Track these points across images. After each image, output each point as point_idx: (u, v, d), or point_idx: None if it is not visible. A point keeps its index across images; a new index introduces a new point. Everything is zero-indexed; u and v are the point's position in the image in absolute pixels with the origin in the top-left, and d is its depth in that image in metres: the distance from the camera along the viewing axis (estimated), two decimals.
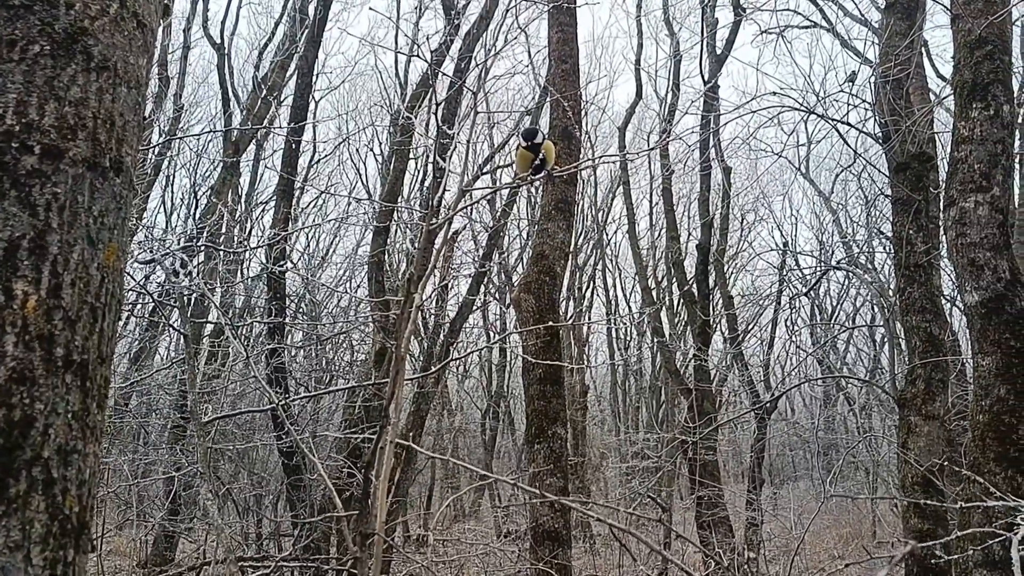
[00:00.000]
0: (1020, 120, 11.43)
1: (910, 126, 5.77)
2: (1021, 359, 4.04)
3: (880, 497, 11.20)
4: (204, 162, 16.34)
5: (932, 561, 5.08)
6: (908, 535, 5.31)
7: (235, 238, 11.96)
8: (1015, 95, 5.27)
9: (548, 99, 8.10)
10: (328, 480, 2.57)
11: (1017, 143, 11.75)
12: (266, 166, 15.35)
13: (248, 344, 13.24)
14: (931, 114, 7.16)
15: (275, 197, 10.74)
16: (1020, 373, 4.04)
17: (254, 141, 13.58)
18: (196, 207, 15.56)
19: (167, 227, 15.76)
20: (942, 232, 5.04)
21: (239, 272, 11.82)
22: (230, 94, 12.84)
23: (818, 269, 13.58)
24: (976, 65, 4.28)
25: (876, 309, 16.86)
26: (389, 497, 1.80)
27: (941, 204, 4.86)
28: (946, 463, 4.90)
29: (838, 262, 13.37)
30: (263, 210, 15.32)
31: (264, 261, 9.57)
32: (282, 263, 9.02)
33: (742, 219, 21.30)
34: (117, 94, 1.30)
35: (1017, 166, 11.58)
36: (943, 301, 7.16)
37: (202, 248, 8.28)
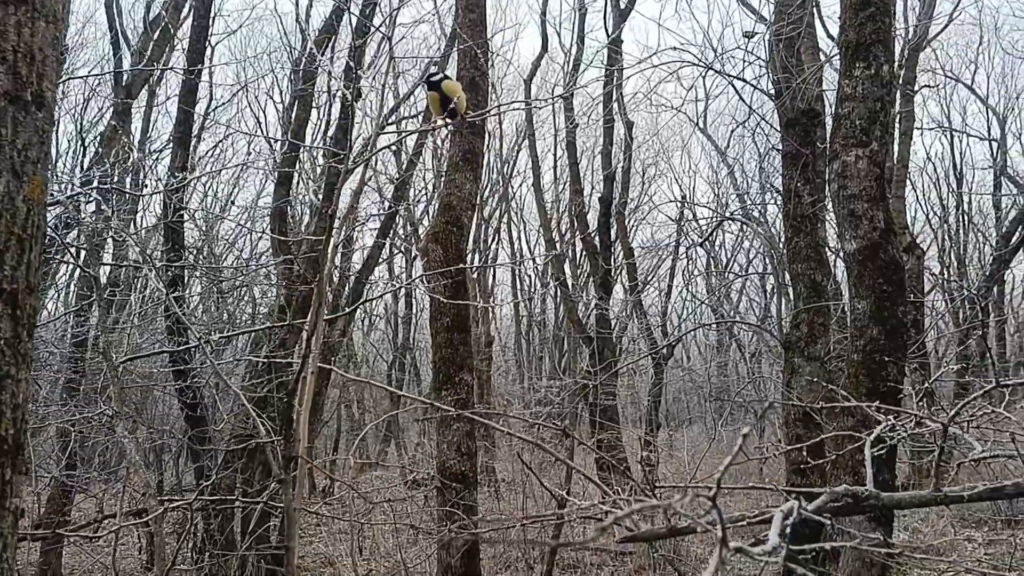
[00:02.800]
0: (900, 80, 12.09)
1: (800, 83, 6.07)
2: (892, 302, 4.40)
3: (771, 403, 11.88)
4: (92, 107, 15.53)
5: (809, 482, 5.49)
6: (789, 467, 5.73)
7: (128, 184, 11.50)
8: (894, 56, 5.59)
9: (455, 48, 8.07)
10: (251, 406, 2.61)
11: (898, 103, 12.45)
12: (160, 112, 14.74)
13: (144, 298, 12.84)
14: (821, 72, 7.51)
15: (171, 144, 10.36)
16: (891, 315, 4.39)
17: (146, 86, 12.99)
18: (84, 154, 14.83)
19: (52, 174, 14.96)
20: (827, 184, 5.35)
21: (132, 222, 11.39)
22: (119, 35, 12.21)
23: (713, 221, 14.11)
24: (860, 26, 4.54)
25: (767, 259, 17.64)
26: (306, 429, 1.88)
27: (827, 158, 5.16)
28: (824, 400, 5.29)
29: (731, 214, 13.92)
30: (157, 158, 14.72)
31: (161, 210, 9.27)
32: (180, 212, 8.76)
33: (643, 173, 21.81)
34: (36, 28, 1.31)
35: (897, 123, 12.28)
36: (827, 250, 7.60)
37: (94, 193, 7.96)
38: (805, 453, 4.51)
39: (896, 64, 12.13)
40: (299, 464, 1.82)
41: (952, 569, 8.22)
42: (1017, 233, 15.49)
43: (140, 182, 12.62)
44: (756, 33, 7.58)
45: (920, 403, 4.13)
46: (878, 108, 4.48)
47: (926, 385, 2.89)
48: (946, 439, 1.75)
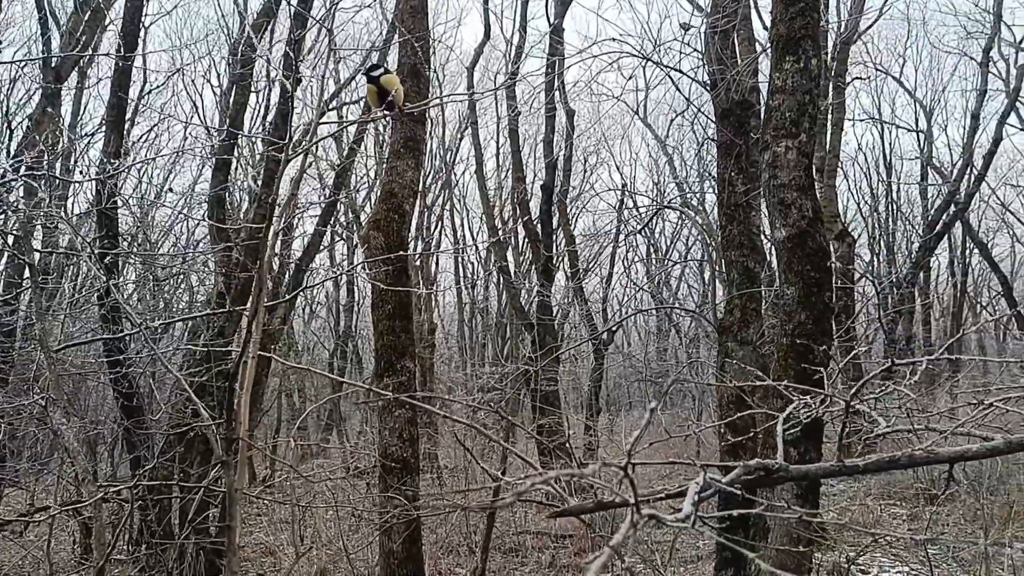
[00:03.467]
0: (832, 72, 12.43)
1: (734, 75, 6.23)
2: (819, 288, 4.57)
3: (675, 379, 12.16)
4: (19, 89, 15.01)
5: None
6: (723, 448, 5.92)
7: (59, 169, 11.18)
8: (822, 49, 5.77)
9: (396, 36, 8.05)
10: (191, 392, 2.61)
11: (831, 94, 12.81)
12: (92, 95, 14.35)
13: (76, 285, 12.51)
14: (756, 64, 7.70)
15: (104, 128, 10.09)
16: (818, 301, 4.57)
17: (77, 68, 12.62)
18: (11, 139, 14.34)
19: None
20: (759, 174, 5.51)
21: (63, 208, 11.08)
22: (48, 15, 11.82)
23: (650, 209, 14.36)
24: (790, 20, 4.69)
25: (705, 247, 18.01)
26: (247, 412, 1.91)
27: (759, 148, 5.32)
28: (756, 383, 5.47)
29: (669, 202, 14.19)
30: (89, 142, 14.31)
31: (93, 196, 9.03)
32: (114, 198, 8.55)
33: (585, 161, 22.02)
34: None
35: (829, 115, 12.64)
36: (762, 238, 7.81)
37: (22, 179, 7.74)
38: (723, 430, 4.67)
39: (828, 57, 12.49)
40: (240, 446, 1.85)
41: (875, 542, 8.59)
42: (941, 221, 16.11)
43: (72, 167, 12.26)
44: (692, 26, 7.74)
45: (832, 383, 4.31)
46: (807, 100, 4.63)
47: (839, 366, 3.03)
48: (848, 415, 1.88)
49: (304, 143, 3.07)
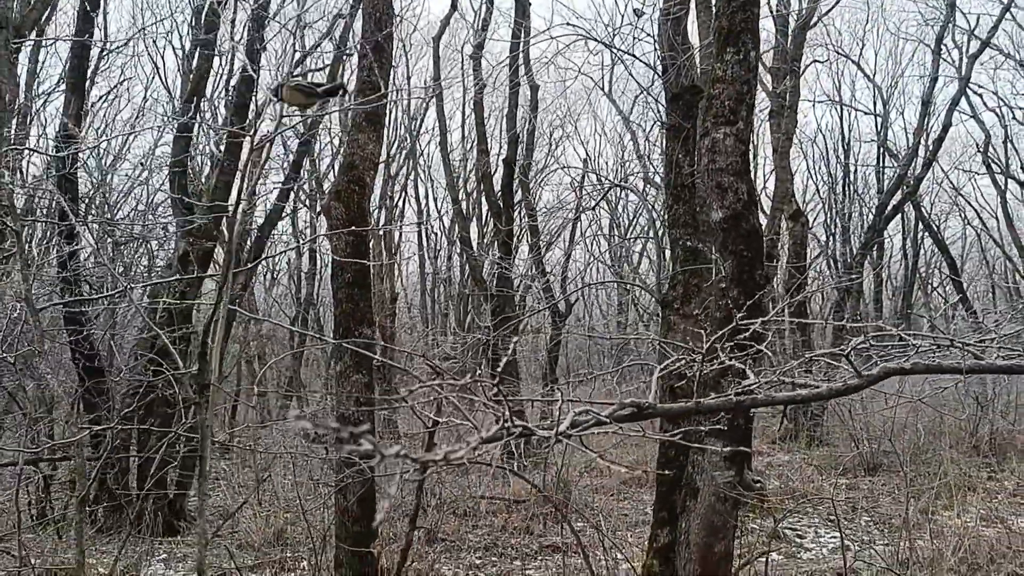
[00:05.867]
0: (788, 56, 12.72)
1: (683, 60, 6.48)
2: (751, 266, 4.87)
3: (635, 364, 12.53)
4: None
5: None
6: (666, 414, 6.24)
7: (14, 128, 11.10)
8: (760, 43, 6.02)
9: (360, 8, 8.15)
10: (165, 338, 2.81)
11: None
12: (49, 53, 14.19)
13: (41, 249, 12.47)
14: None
15: (63, 89, 10.07)
16: (750, 278, 4.87)
17: (36, 27, 12.47)
18: None
19: None
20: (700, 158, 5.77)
21: (18, 170, 11.04)
22: None
23: (604, 186, 14.65)
24: (732, 14, 4.94)
25: (652, 224, 18.37)
26: (220, 362, 2.12)
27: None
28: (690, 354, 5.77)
29: (620, 180, 14.47)
30: (46, 100, 14.18)
31: (52, 160, 9.04)
32: (75, 164, 8.57)
33: (550, 135, 22.18)
34: None
35: (785, 98, 12.96)
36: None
37: None
38: (654, 396, 4.96)
39: (788, 41, 12.78)
40: (212, 391, 2.06)
41: (799, 506, 9.07)
42: (889, 204, 16.61)
43: (28, 124, 12.16)
44: (643, 12, 7.96)
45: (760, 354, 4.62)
46: (745, 91, 4.90)
47: (786, 333, 3.32)
48: (703, 365, 2.17)
49: (257, 128, 3.26)
